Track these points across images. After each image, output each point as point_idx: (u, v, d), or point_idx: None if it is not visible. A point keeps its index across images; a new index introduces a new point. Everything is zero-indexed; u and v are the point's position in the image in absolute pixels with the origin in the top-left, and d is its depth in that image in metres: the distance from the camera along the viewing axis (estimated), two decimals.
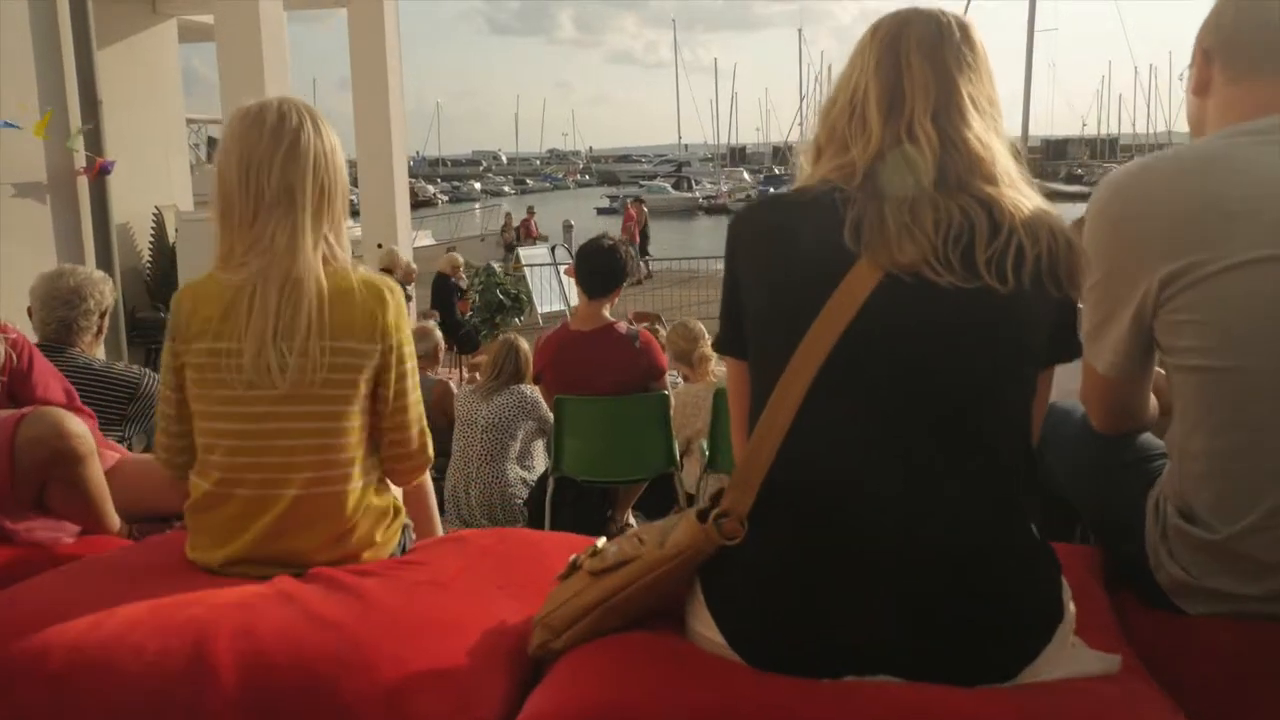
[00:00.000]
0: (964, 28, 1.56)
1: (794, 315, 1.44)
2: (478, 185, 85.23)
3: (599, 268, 3.95)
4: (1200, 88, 1.84)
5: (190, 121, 20.53)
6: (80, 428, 2.23)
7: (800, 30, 77.41)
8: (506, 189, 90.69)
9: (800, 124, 77.75)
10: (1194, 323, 1.61)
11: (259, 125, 1.86)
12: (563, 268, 16.09)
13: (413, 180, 32.94)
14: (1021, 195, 1.47)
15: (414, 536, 2.06)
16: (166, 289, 12.47)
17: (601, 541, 1.61)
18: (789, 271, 1.49)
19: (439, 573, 1.81)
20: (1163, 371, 1.77)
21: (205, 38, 13.25)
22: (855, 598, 1.39)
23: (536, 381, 4.55)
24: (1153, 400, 1.90)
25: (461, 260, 10.02)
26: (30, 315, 3.21)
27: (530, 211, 24.05)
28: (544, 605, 1.59)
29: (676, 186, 68.99)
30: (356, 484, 1.88)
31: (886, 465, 1.41)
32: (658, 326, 6.00)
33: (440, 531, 2.27)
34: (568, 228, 22.41)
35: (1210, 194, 1.60)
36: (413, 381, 1.97)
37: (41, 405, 2.29)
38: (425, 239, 24.32)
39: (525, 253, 16.60)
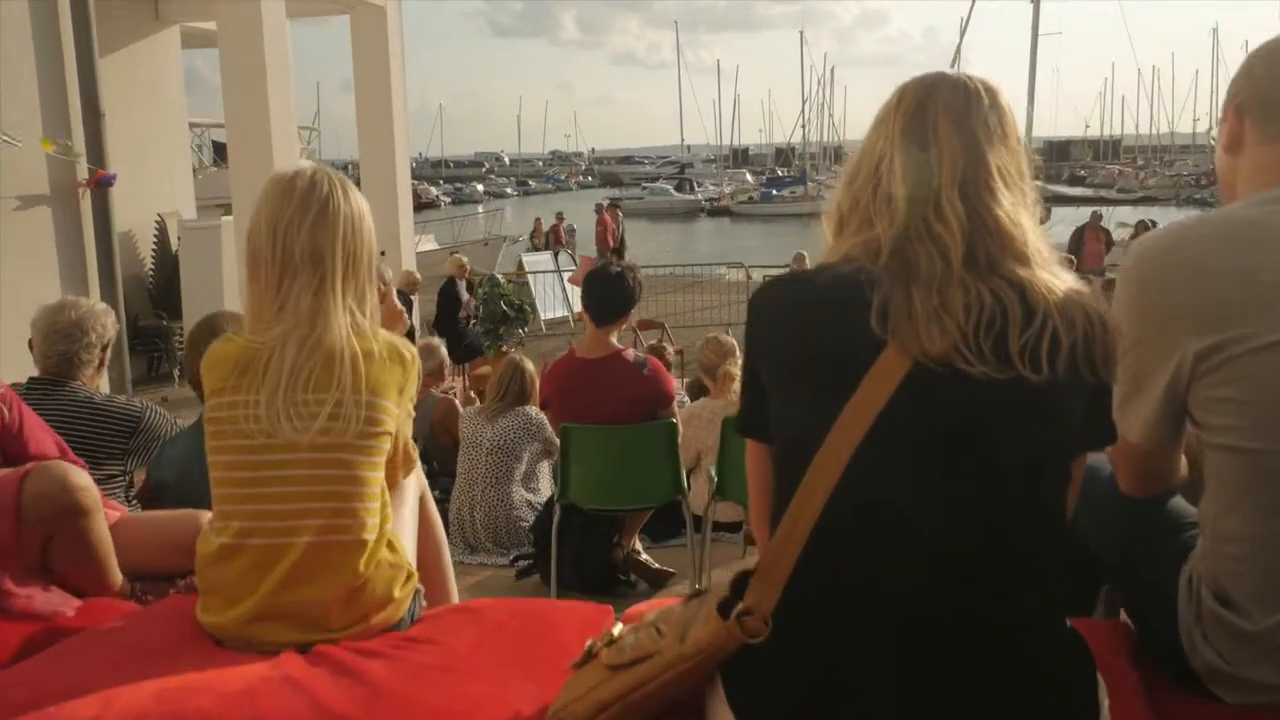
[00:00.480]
0: (992, 93, 1.50)
1: (820, 405, 1.38)
2: (480, 187, 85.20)
3: (607, 295, 3.89)
4: (1232, 145, 1.78)
5: (193, 125, 20.56)
6: (85, 480, 2.19)
7: (802, 33, 77.27)
8: (509, 190, 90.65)
9: (803, 126, 77.88)
10: (1231, 401, 1.56)
11: (290, 191, 1.89)
12: (566, 275, 16.05)
13: (415, 182, 32.89)
14: (1054, 276, 1.41)
15: (424, 604, 2.02)
16: (169, 296, 12.45)
17: (618, 629, 1.56)
18: (814, 357, 1.43)
19: (449, 653, 1.76)
20: (1193, 431, 1.71)
21: (208, 44, 13.22)
22: (883, 694, 1.34)
23: (543, 408, 4.50)
24: (1182, 460, 1.85)
25: (467, 261, 9.93)
26: (31, 347, 3.17)
27: (559, 217, 22.92)
28: (560, 696, 1.53)
29: (679, 188, 68.92)
30: (370, 534, 1.87)
31: (918, 561, 1.35)
32: (665, 344, 5.94)
33: (454, 591, 2.25)
34: (571, 232, 22.28)
35: (1246, 267, 1.54)
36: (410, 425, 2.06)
37: (39, 460, 2.24)
38: (428, 244, 24.25)
39: (528, 259, 16.54)
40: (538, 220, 21.20)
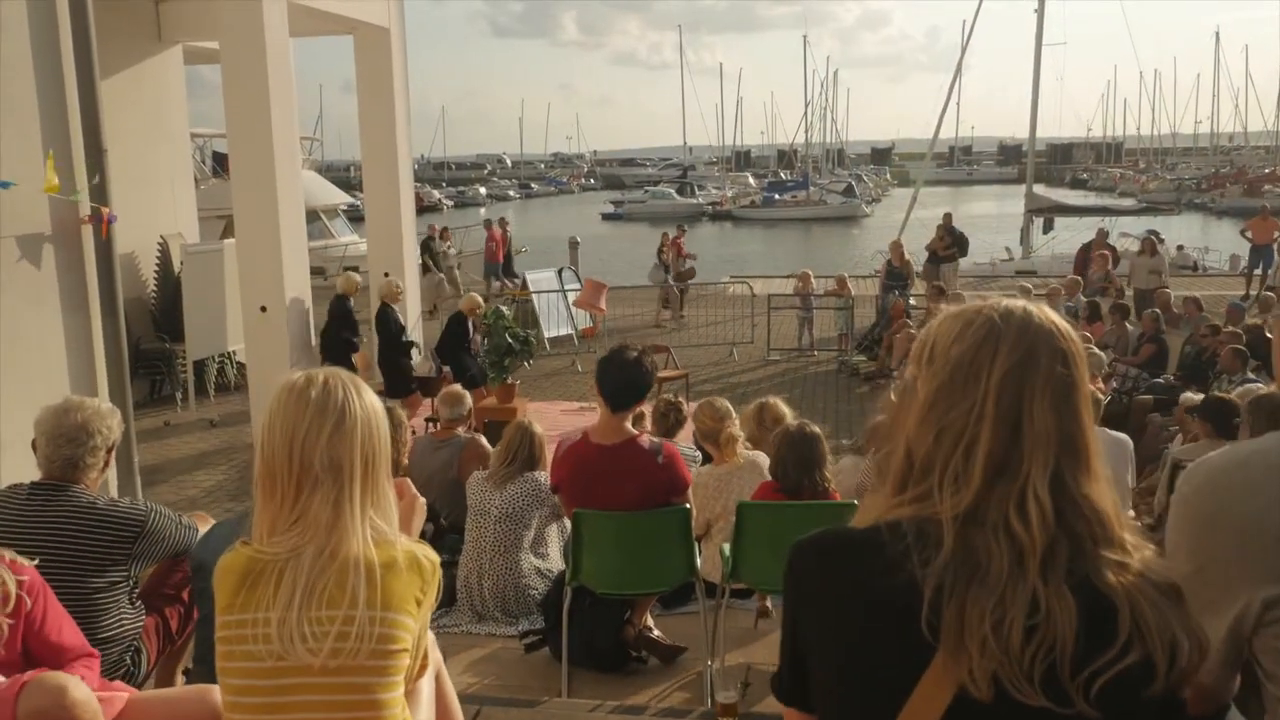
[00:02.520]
0: (1081, 353, 1.34)
1: (864, 709, 1.29)
2: (483, 190, 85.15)
3: (623, 383, 3.81)
4: None
5: (194, 135, 20.49)
6: (84, 693, 2.11)
7: (805, 36, 77.07)
8: (512, 193, 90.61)
9: (806, 130, 77.74)
10: None
11: (304, 401, 1.82)
12: (571, 295, 15.96)
13: (417, 185, 32.62)
14: (1148, 584, 1.25)
15: None
16: (171, 320, 12.39)
17: None
18: (858, 650, 1.31)
19: None
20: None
21: (211, 59, 13.17)
22: None
23: (554, 491, 4.43)
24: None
25: (482, 301, 9.81)
26: (34, 448, 3.10)
27: (680, 229, 21.01)
28: None
29: (681, 192, 68.82)
30: None
31: None
32: (680, 400, 5.87)
33: None
34: (573, 245, 22.06)
35: None
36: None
37: (48, 662, 2.18)
38: None
39: (532, 277, 16.44)
40: (664, 235, 19.79)
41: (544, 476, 4.61)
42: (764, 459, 4.55)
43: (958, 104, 60.33)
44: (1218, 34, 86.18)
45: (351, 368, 10.47)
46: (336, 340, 10.47)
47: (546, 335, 15.45)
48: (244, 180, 10.45)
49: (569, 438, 4.08)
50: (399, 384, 10.39)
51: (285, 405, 1.82)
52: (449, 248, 21.33)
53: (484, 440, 5.96)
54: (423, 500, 2.08)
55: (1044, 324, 1.33)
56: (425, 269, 18.42)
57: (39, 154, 7.16)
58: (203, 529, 3.27)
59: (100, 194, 7.39)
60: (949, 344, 1.34)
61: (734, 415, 4.83)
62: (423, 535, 5.27)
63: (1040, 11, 28.05)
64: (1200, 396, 6.96)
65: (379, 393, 10.69)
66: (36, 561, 2.44)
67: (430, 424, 10.98)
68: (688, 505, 3.91)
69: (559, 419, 11.79)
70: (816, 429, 4.11)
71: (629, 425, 3.91)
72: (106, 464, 3.11)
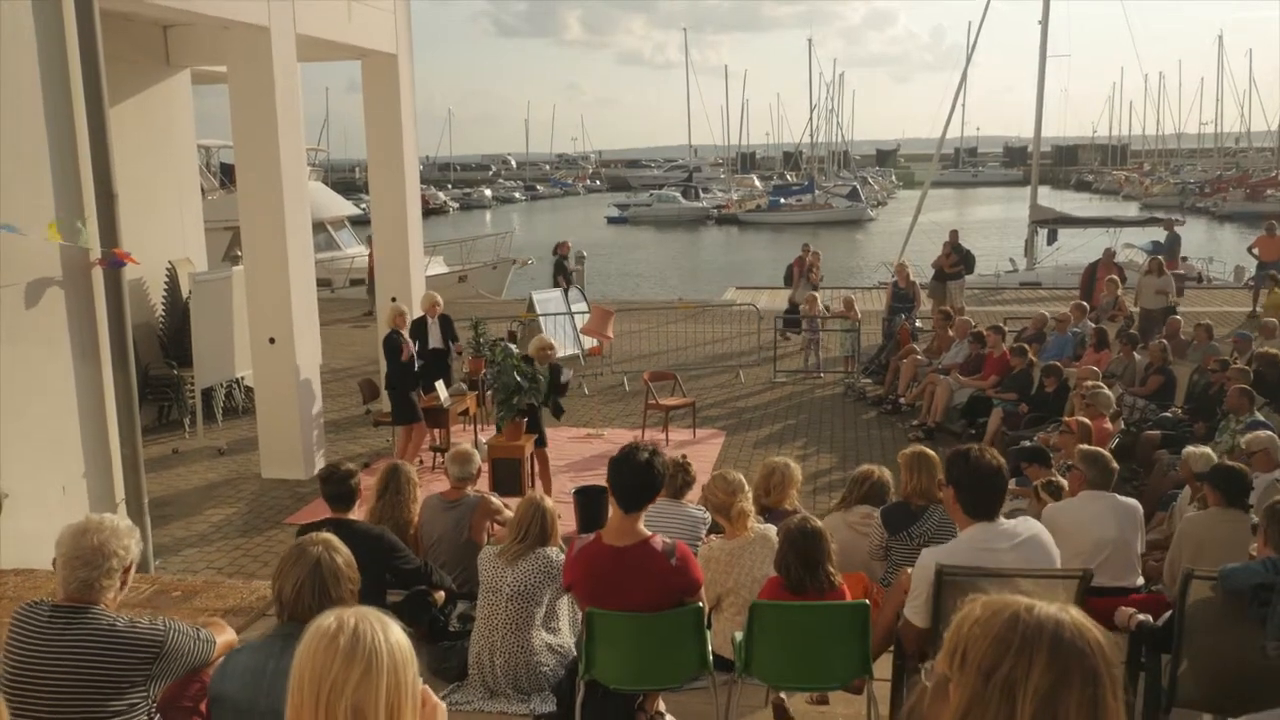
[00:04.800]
0: (1109, 657, 1.37)
1: None
2: (488, 192, 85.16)
3: (636, 485, 3.82)
4: None
5: (201, 146, 20.53)
6: None
7: (810, 40, 76.97)
8: (517, 195, 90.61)
9: (811, 134, 77.66)
10: None
11: (333, 648, 1.83)
12: (579, 317, 15.96)
13: (423, 187, 32.59)
14: None
15: None
16: (179, 345, 12.42)
17: None
18: None
19: None
20: None
21: (219, 80, 13.18)
22: None
23: (567, 590, 4.45)
24: None
25: (440, 300, 9.84)
26: (54, 566, 3.12)
27: (805, 249, 19.53)
28: None
29: (685, 195, 68.83)
30: None
31: None
32: (688, 460, 5.86)
33: None
34: (580, 259, 21.95)
35: None
36: None
37: None
38: (437, 266, 24.14)
39: (539, 297, 16.45)
40: (805, 246, 19.23)
41: (555, 553, 4.63)
42: (774, 533, 4.56)
43: (963, 105, 60.27)
44: (1221, 37, 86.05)
45: (446, 378, 10.43)
46: (406, 372, 10.41)
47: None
48: (253, 212, 10.47)
49: (582, 539, 4.10)
50: (405, 412, 10.37)
51: (315, 653, 1.83)
52: (580, 265, 20.13)
53: (494, 499, 5.96)
54: (444, 706, 2.07)
55: (1075, 641, 1.36)
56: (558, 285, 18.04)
57: (50, 199, 7.20)
58: (220, 638, 3.28)
59: (110, 237, 7.40)
60: (981, 655, 1.36)
61: (746, 490, 4.83)
62: (432, 600, 5.30)
63: (1044, 23, 28.03)
64: (1204, 450, 6.94)
65: (385, 421, 10.68)
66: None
67: (437, 453, 11.02)
68: (700, 604, 3.93)
69: (566, 447, 11.80)
70: (819, 524, 4.11)
71: (641, 525, 3.92)
72: (125, 583, 3.13)
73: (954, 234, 19.29)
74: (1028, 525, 3.82)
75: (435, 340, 10.95)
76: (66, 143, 7.24)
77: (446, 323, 11.17)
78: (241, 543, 8.78)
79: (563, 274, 18.05)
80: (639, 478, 3.81)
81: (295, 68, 10.66)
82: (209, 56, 12.54)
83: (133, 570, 3.16)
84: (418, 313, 11.20)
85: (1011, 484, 8.61)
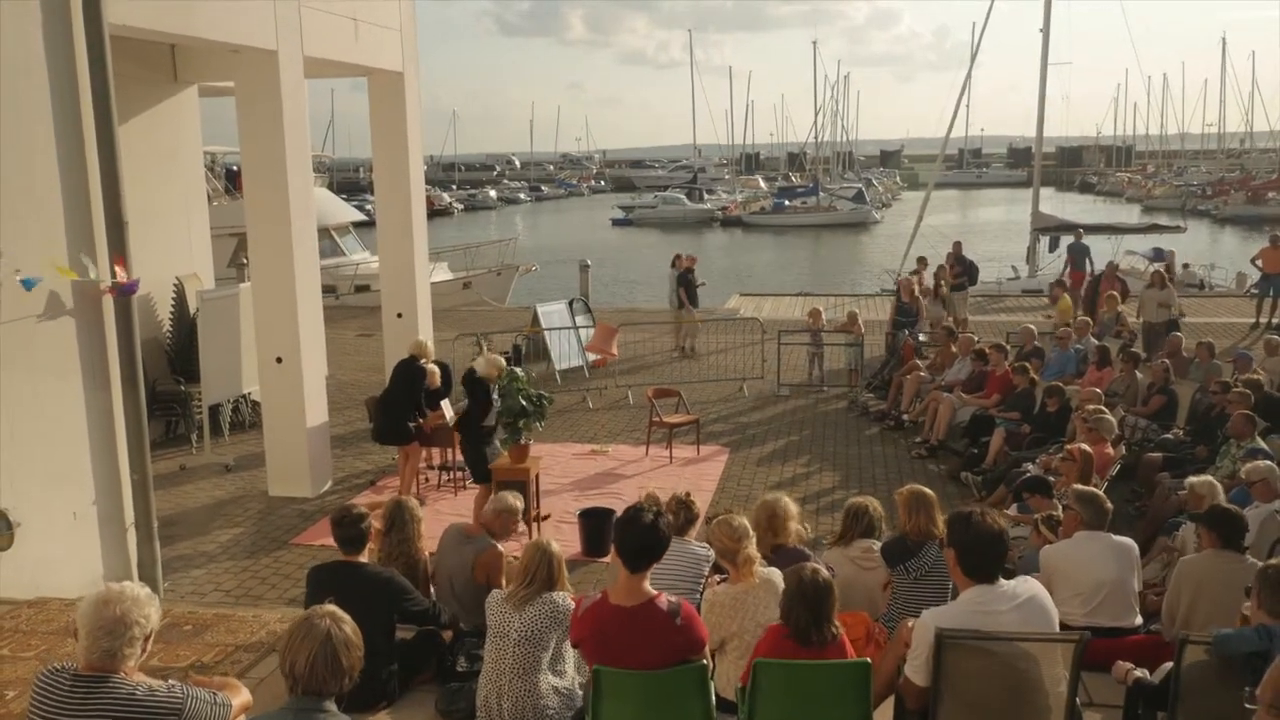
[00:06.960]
0: None
1: None
2: (493, 193, 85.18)
3: (640, 545, 3.89)
4: None
5: (207, 152, 20.59)
6: None
7: (815, 42, 77.07)
8: (522, 195, 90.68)
9: (816, 136, 77.68)
10: None
11: None
12: (583, 331, 16.04)
13: (428, 189, 32.66)
14: None
15: None
16: (187, 361, 12.49)
17: None
18: None
19: None
20: None
21: (225, 94, 13.25)
22: None
23: (575, 647, 4.52)
24: None
25: (503, 365, 9.72)
26: (75, 635, 3.20)
27: (922, 262, 18.81)
28: None
29: (690, 196, 68.90)
30: None
31: None
32: (691, 498, 5.93)
33: None
34: (584, 268, 22.02)
35: None
36: None
37: None
38: (441, 273, 24.22)
39: (543, 310, 16.52)
40: (921, 260, 18.88)
41: (562, 598, 4.70)
42: (779, 578, 4.62)
43: (968, 105, 60.26)
44: (1224, 39, 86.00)
45: (480, 417, 9.98)
46: (410, 399, 10.39)
47: (558, 368, 15.56)
48: (260, 229, 10.53)
49: (589, 597, 4.17)
50: (399, 432, 10.31)
51: None
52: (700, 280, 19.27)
53: (505, 553, 5.98)
54: None
55: None
56: (680, 304, 18.01)
57: (61, 228, 7.28)
58: (235, 700, 3.36)
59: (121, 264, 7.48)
60: None
61: (751, 535, 4.90)
62: (440, 640, 5.37)
63: (1045, 31, 28.04)
64: (1204, 479, 7.00)
65: (378, 437, 10.65)
66: None
67: (443, 471, 11.07)
68: (705, 661, 4.00)
69: (571, 463, 11.87)
70: (828, 576, 4.16)
71: (647, 585, 3.99)
72: (145, 650, 3.21)
73: (958, 245, 19.34)
74: (1027, 586, 3.88)
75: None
76: (77, 171, 7.31)
77: (444, 370, 11.05)
78: (249, 564, 8.86)
79: (684, 287, 17.85)
80: (644, 540, 3.89)
81: (303, 88, 10.72)
82: (217, 73, 12.60)
83: (152, 638, 3.23)
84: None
85: (1013, 509, 8.72)
